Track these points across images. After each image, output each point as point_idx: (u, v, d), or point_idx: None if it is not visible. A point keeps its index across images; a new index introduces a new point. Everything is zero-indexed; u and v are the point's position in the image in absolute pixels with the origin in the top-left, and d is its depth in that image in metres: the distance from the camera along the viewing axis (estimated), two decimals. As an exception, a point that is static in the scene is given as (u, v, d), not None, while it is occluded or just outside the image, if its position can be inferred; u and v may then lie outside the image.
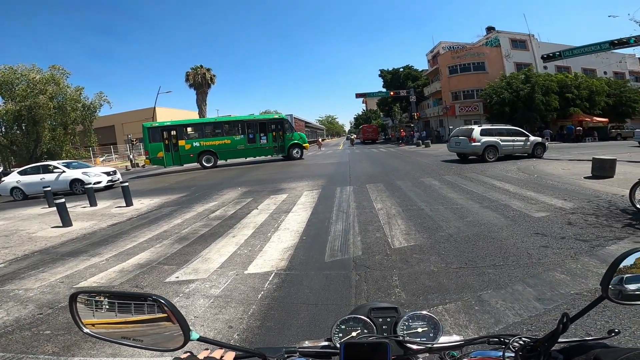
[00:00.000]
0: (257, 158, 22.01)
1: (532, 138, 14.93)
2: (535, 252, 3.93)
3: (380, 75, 48.18)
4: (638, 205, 5.41)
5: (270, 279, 3.72)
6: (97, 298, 0.77)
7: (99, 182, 14.04)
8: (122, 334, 0.74)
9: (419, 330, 0.80)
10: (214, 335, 2.66)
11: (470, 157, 14.75)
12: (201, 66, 43.43)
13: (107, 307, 0.76)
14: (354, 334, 0.80)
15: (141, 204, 9.36)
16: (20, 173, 14.67)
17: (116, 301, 0.76)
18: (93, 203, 9.70)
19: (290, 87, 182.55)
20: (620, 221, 4.96)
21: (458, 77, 37.39)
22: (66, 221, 7.29)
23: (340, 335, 0.80)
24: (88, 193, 9.89)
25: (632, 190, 5.58)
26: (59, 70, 27.19)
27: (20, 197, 14.05)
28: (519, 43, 37.30)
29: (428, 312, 0.82)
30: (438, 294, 3.08)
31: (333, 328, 0.81)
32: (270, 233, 5.50)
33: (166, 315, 0.71)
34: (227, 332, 2.70)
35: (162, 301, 0.70)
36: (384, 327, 0.82)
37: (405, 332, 0.80)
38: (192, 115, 48.32)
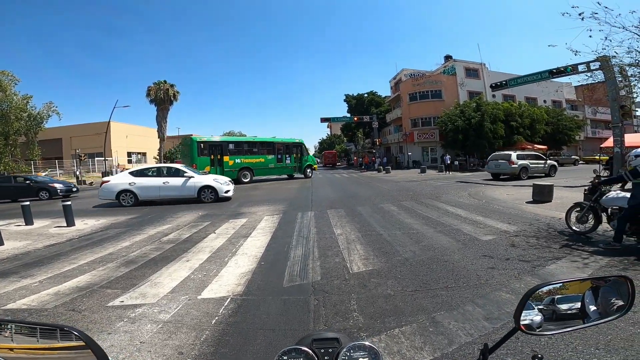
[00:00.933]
0: None
1: (549, 161, 19.57)
2: (484, 273, 4.14)
3: (345, 100, 49.67)
4: (574, 228, 5.94)
5: (225, 304, 3.56)
6: (7, 326, 0.73)
7: (228, 192, 12.83)
8: None
9: None
10: (161, 364, 2.47)
11: (502, 177, 17.92)
12: (164, 81, 42.16)
13: (27, 333, 0.72)
14: None
15: (84, 225, 8.68)
16: (135, 174, 12.88)
17: (38, 327, 0.72)
18: (29, 222, 8.84)
19: (255, 108, 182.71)
20: (558, 242, 5.40)
21: (417, 104, 39.40)
22: (-4, 241, 6.54)
23: None
24: (23, 210, 9.00)
25: (568, 213, 6.13)
26: (8, 76, 25.15)
27: (131, 202, 12.29)
28: (472, 72, 39.99)
29: (369, 342, 0.83)
30: (395, 316, 3.11)
31: (275, 359, 0.80)
32: (227, 258, 5.31)
33: (83, 344, 0.67)
34: (177, 359, 2.53)
35: (75, 332, 0.68)
36: (325, 357, 0.81)
37: None
38: (151, 132, 46.47)
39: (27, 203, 9.30)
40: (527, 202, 9.53)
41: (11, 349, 0.71)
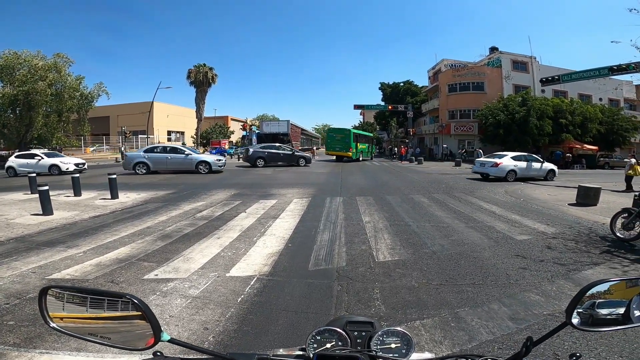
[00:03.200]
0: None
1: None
2: (514, 273, 3.99)
3: (380, 88, 48.74)
4: (618, 234, 5.54)
5: (251, 283, 3.69)
6: (68, 293, 0.76)
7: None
8: (90, 330, 0.73)
9: (392, 346, 0.80)
10: (188, 335, 2.63)
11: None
12: (204, 64, 43.38)
13: (79, 301, 0.75)
14: (328, 345, 0.80)
15: (127, 198, 9.24)
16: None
17: (88, 296, 0.74)
18: (77, 193, 9.53)
19: (289, 92, 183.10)
20: (598, 248, 5.08)
21: (457, 95, 37.79)
22: (47, 209, 7.14)
23: (315, 346, 0.80)
24: (73, 182, 9.72)
25: (614, 219, 5.72)
26: (63, 58, 26.96)
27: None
28: (520, 65, 37.49)
29: (402, 328, 0.83)
30: (417, 308, 3.09)
31: (308, 338, 0.81)
32: (256, 237, 5.47)
33: (139, 314, 0.70)
34: (202, 334, 2.67)
35: (136, 300, 0.70)
36: (358, 340, 0.82)
37: (378, 347, 0.80)
38: (190, 112, 48.15)
39: (77, 175, 10.02)
40: (570, 204, 8.97)
41: (66, 318, 0.75)
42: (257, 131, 44.55)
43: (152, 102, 36.82)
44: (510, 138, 29.19)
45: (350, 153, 28.80)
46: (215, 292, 3.47)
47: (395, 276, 3.91)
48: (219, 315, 2.98)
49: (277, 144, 24.30)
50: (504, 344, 2.49)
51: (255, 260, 4.40)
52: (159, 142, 43.93)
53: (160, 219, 6.78)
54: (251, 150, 22.20)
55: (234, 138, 55.50)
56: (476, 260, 4.46)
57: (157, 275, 3.92)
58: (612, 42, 14.56)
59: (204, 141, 44.02)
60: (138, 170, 16.27)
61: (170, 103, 51.35)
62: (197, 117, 45.05)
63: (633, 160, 12.96)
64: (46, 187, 7.28)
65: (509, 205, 8.84)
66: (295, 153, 23.08)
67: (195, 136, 46.73)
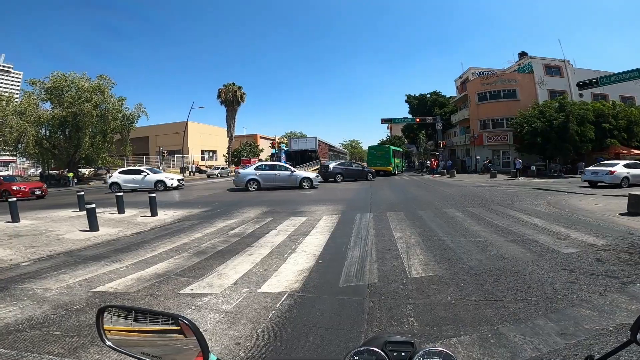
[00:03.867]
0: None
1: None
2: (562, 287, 3.72)
3: (406, 101, 48.22)
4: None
5: (282, 299, 3.69)
6: (123, 312, 0.80)
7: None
8: (140, 346, 0.76)
9: None
10: (220, 350, 2.66)
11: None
12: (233, 84, 45.20)
13: (133, 320, 0.78)
14: None
15: (165, 215, 9.65)
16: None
17: (141, 315, 0.78)
18: (121, 210, 10.09)
19: (316, 109, 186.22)
20: (656, 261, 4.62)
21: (487, 104, 36.52)
22: (94, 226, 7.61)
23: None
24: (117, 200, 10.31)
25: (673, 230, 5.22)
26: (106, 80, 28.99)
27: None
28: (553, 69, 35.75)
29: (443, 347, 0.79)
30: (453, 325, 2.95)
31: (346, 358, 0.78)
32: (286, 254, 5.50)
33: (186, 333, 0.72)
34: (234, 349, 2.69)
35: (186, 321, 0.72)
36: None
37: None
38: (221, 131, 49.97)
39: (120, 194, 10.64)
40: (621, 214, 8.30)
41: (119, 335, 0.78)
42: (285, 148, 45.40)
43: (187, 122, 38.67)
44: (549, 146, 27.57)
45: (390, 167, 31.66)
46: (247, 307, 3.51)
47: (430, 292, 3.77)
48: (250, 330, 2.99)
49: (350, 161, 32.83)
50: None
51: (286, 277, 4.41)
52: (193, 162, 45.83)
53: (196, 236, 7.01)
54: (331, 166, 24.37)
55: (264, 156, 56.91)
56: (518, 275, 4.21)
57: (192, 290, 4.02)
58: None
59: (235, 159, 45.33)
60: (250, 187, 17.23)
61: (203, 122, 53.69)
62: (228, 136, 46.68)
63: None
64: (93, 205, 7.79)
65: (553, 217, 8.33)
66: (365, 169, 25.46)
67: (227, 155, 48.31)
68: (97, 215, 7.96)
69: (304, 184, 17.95)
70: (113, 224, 8.48)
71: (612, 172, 15.86)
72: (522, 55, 39.35)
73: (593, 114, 27.79)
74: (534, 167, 27.86)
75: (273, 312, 3.37)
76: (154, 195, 10.07)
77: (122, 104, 30.15)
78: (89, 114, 26.28)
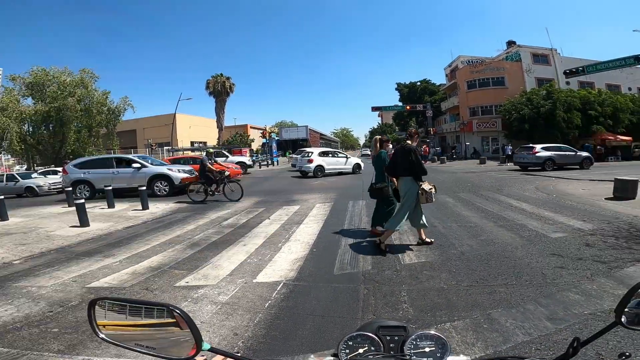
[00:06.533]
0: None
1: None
2: (550, 272, 3.82)
3: (397, 89, 48.23)
4: (662, 229, 5.21)
5: (278, 288, 3.72)
6: (115, 303, 0.79)
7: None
8: (135, 339, 0.75)
9: (427, 350, 0.79)
10: (218, 341, 2.68)
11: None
12: (221, 74, 44.43)
13: (125, 311, 0.77)
14: (360, 350, 0.79)
15: (157, 208, 9.55)
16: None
17: (133, 306, 0.77)
18: (111, 205, 9.96)
19: (307, 98, 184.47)
20: (641, 244, 4.77)
21: (476, 92, 36.87)
22: (84, 221, 7.50)
23: (347, 351, 0.79)
24: (107, 195, 10.17)
25: (656, 213, 5.39)
26: (89, 74, 28.35)
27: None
28: (540, 57, 36.30)
29: (436, 332, 0.81)
30: (446, 311, 3.02)
31: (340, 344, 0.80)
32: (280, 243, 5.52)
33: (179, 323, 0.72)
34: (232, 339, 2.71)
35: (178, 311, 0.72)
36: (391, 345, 0.80)
37: (412, 351, 0.78)
38: (210, 122, 49.32)
39: (110, 188, 10.49)
40: (607, 199, 8.51)
41: (112, 327, 0.77)
42: (276, 138, 45.12)
43: (175, 114, 38.00)
44: (537, 132, 28.07)
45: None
46: (244, 298, 3.53)
47: (423, 278, 3.84)
48: (247, 320, 3.02)
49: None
50: (542, 345, 2.39)
51: (281, 266, 4.44)
52: (183, 154, 45.22)
53: (189, 228, 6.97)
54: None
55: (254, 146, 56.44)
56: (508, 260, 4.31)
57: (187, 282, 4.03)
58: (634, 30, 13.94)
59: (226, 150, 44.91)
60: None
61: (192, 114, 52.77)
62: (217, 127, 46.08)
63: None
64: (82, 200, 7.67)
65: (541, 202, 8.50)
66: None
67: (217, 146, 47.82)
68: (87, 210, 7.83)
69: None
70: (104, 219, 8.37)
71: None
72: (511, 43, 39.62)
73: (580, 101, 28.39)
74: (522, 153, 28.30)
75: (269, 301, 3.40)
76: (144, 188, 9.95)
77: (107, 97, 29.53)
78: (72, 108, 25.72)
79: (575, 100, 28.28)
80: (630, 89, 34.35)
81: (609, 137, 27.99)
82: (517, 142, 30.47)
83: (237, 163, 20.94)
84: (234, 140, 48.77)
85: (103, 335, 0.76)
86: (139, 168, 12.51)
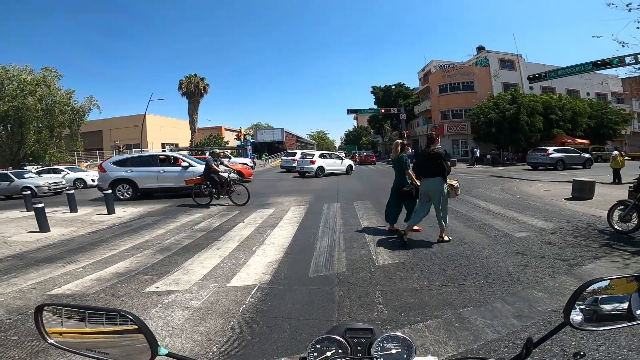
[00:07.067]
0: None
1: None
2: (515, 270, 4.00)
3: (372, 92, 48.99)
4: (616, 226, 5.59)
5: (253, 292, 3.67)
6: (65, 309, 0.77)
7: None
8: (89, 345, 0.73)
9: (393, 351, 0.79)
10: (192, 347, 2.61)
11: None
12: (195, 75, 43.51)
13: (76, 317, 0.75)
14: (328, 354, 0.79)
15: (124, 212, 9.17)
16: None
17: (86, 311, 0.75)
18: (74, 209, 9.46)
19: (283, 100, 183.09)
20: (597, 241, 5.11)
21: (448, 96, 38.14)
22: (44, 226, 7.08)
23: (315, 354, 0.79)
24: (69, 198, 9.65)
25: (610, 211, 5.77)
26: (51, 72, 26.88)
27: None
28: (507, 63, 38.10)
29: (403, 332, 0.82)
30: (419, 311, 3.09)
31: (308, 347, 0.80)
32: (255, 247, 5.45)
33: (136, 328, 0.70)
34: (206, 345, 2.65)
35: (130, 316, 0.70)
36: (358, 347, 0.81)
37: (379, 353, 0.79)
38: (183, 123, 48.06)
39: (72, 191, 9.95)
40: (566, 199, 9.04)
41: (63, 334, 0.75)
42: (252, 140, 44.56)
43: (145, 114, 36.74)
44: (503, 136, 29.44)
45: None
46: (217, 302, 3.45)
47: (396, 279, 3.91)
48: (221, 325, 2.96)
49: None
50: (510, 342, 2.49)
51: (256, 270, 4.38)
52: (193, 153, 43.90)
53: (159, 232, 6.74)
54: None
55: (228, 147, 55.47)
56: (477, 259, 4.48)
57: (157, 288, 3.89)
58: (593, 37, 14.90)
59: (199, 152, 43.87)
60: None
61: (163, 115, 51.23)
62: (190, 129, 45.01)
63: (615, 152, 13.33)
64: (42, 205, 7.23)
65: (506, 202, 8.90)
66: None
67: (190, 148, 46.65)
68: (47, 215, 7.40)
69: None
70: (65, 224, 7.93)
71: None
72: (480, 49, 41.28)
73: (542, 106, 30.01)
74: (489, 156, 29.57)
75: (244, 305, 3.34)
76: (109, 191, 9.52)
77: (71, 96, 28.13)
78: (32, 107, 24.28)
79: (538, 104, 29.87)
80: (588, 94, 36.71)
81: (569, 140, 29.75)
82: (485, 145, 31.88)
83: (241, 164, 20.79)
84: (208, 142, 47.70)
85: (52, 341, 0.74)
86: (186, 167, 11.69)
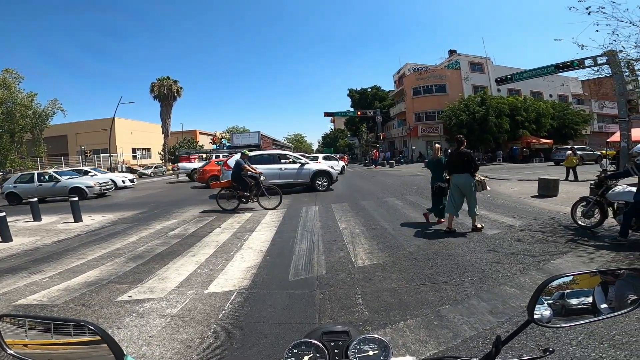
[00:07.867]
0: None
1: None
2: (489, 267, 4.15)
3: (348, 95, 49.49)
4: (579, 222, 5.91)
5: (232, 298, 3.60)
6: (29, 320, 0.75)
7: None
8: (53, 357, 0.71)
9: (370, 353, 0.80)
10: (171, 355, 2.53)
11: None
12: (168, 77, 42.33)
13: (42, 328, 0.74)
14: (306, 358, 0.79)
15: (92, 220, 8.78)
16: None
17: (52, 322, 0.73)
18: (37, 218, 8.96)
19: (260, 103, 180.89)
20: (563, 237, 5.38)
21: (421, 98, 39.09)
22: (5, 236, 6.69)
23: (293, 359, 0.80)
24: (32, 207, 9.12)
25: (574, 208, 6.10)
26: (12, 74, 25.36)
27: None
28: (476, 66, 39.54)
29: (382, 334, 0.83)
30: (399, 310, 3.14)
31: (285, 352, 0.80)
32: (233, 252, 5.36)
33: (99, 339, 0.69)
34: (185, 352, 2.57)
35: (91, 326, 0.69)
36: (335, 350, 0.81)
37: (356, 356, 0.80)
38: (155, 127, 46.56)
39: (35, 199, 9.42)
40: (533, 197, 9.48)
41: (25, 345, 0.72)
42: (227, 144, 43.77)
43: (113, 118, 35.38)
44: (473, 137, 30.46)
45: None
46: (195, 309, 3.36)
47: (376, 280, 3.96)
48: (200, 332, 2.88)
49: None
50: (488, 339, 2.54)
51: (234, 275, 4.31)
52: (123, 161, 42.17)
53: (130, 240, 6.49)
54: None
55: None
56: (452, 257, 4.61)
57: (131, 296, 3.74)
58: (555, 40, 15.71)
59: (172, 157, 42.64)
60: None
61: (134, 119, 49.43)
62: (163, 133, 43.66)
63: (569, 152, 14.29)
64: (3, 213, 6.80)
65: (478, 201, 9.17)
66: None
67: (162, 152, 45.26)
68: (9, 224, 6.97)
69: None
70: (29, 233, 7.50)
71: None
72: (452, 52, 42.67)
73: (508, 108, 31.44)
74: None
75: (223, 311, 3.28)
76: (75, 198, 9.08)
77: (33, 100, 26.64)
78: (-9, 111, 22.82)
79: (505, 106, 31.27)
80: (551, 95, 38.67)
81: (533, 141, 31.32)
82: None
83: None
84: (182, 146, 46.50)
85: (12, 352, 0.72)
86: (303, 165, 12.58)
